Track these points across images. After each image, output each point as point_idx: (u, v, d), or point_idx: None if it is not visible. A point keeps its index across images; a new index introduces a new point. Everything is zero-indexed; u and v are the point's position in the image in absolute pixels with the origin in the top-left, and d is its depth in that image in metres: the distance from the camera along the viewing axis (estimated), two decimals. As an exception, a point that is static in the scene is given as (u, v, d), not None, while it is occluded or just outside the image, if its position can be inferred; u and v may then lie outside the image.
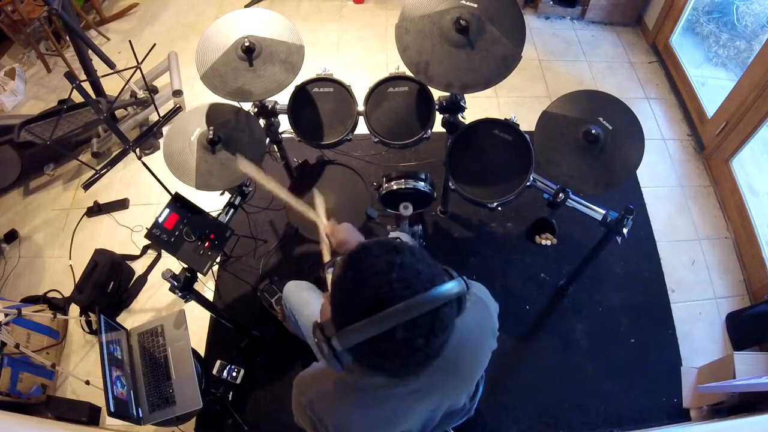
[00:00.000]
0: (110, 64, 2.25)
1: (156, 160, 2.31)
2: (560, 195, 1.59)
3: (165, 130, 1.82)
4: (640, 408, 1.89)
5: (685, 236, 2.32)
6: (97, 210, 2.49)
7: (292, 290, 1.56)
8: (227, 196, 1.75)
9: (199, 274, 1.55)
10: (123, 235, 2.42)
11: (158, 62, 2.90)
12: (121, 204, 2.51)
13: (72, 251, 2.37)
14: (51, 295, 2.24)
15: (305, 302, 1.48)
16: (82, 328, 2.14)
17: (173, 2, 3.55)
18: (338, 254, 1.14)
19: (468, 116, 1.74)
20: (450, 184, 1.64)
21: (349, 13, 3.37)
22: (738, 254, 2.26)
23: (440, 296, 0.65)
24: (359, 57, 3.10)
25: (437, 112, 1.69)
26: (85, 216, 2.49)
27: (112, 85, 2.59)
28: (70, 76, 1.58)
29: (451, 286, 0.66)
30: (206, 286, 2.22)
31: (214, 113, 1.63)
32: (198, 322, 2.09)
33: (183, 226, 1.53)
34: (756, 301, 2.10)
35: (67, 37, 3.06)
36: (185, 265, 1.54)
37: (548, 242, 1.70)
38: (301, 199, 1.24)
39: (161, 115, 1.98)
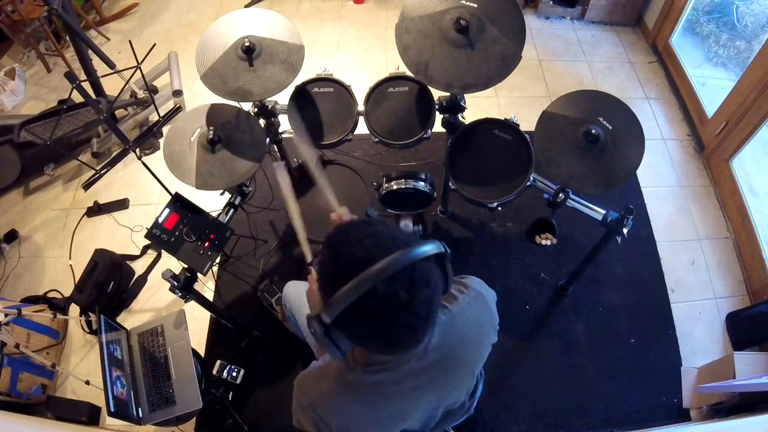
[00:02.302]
0: (110, 64, 2.25)
1: (156, 160, 2.31)
2: (560, 195, 1.59)
3: (165, 130, 1.82)
4: (640, 408, 1.89)
5: (685, 236, 2.32)
6: (97, 210, 2.49)
7: (291, 290, 1.57)
8: (227, 196, 1.75)
9: (199, 274, 1.55)
10: (123, 235, 2.42)
11: (158, 62, 2.90)
12: (121, 204, 2.51)
13: (72, 251, 2.37)
14: (51, 295, 2.24)
15: (305, 302, 1.48)
16: (82, 328, 2.14)
17: (173, 2, 3.55)
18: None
19: (468, 116, 1.74)
20: (450, 184, 1.64)
21: (349, 13, 3.37)
22: (738, 254, 2.26)
23: (416, 253, 0.66)
24: (359, 57, 3.10)
25: (437, 112, 1.69)
26: (85, 216, 2.49)
27: (112, 85, 2.59)
28: (70, 76, 1.57)
29: (428, 246, 0.69)
30: (206, 286, 2.21)
31: (214, 113, 1.63)
32: (198, 322, 2.09)
33: (183, 226, 1.53)
34: (756, 301, 2.10)
35: (67, 37, 3.06)
36: (185, 265, 1.54)
37: (548, 242, 1.70)
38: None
39: (161, 115, 1.98)
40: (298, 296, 1.53)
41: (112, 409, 1.54)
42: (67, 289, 2.21)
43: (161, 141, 2.64)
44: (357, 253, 0.67)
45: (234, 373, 1.89)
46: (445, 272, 0.73)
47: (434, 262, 0.71)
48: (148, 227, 1.51)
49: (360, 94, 1.71)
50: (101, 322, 1.74)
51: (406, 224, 1.82)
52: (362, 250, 0.67)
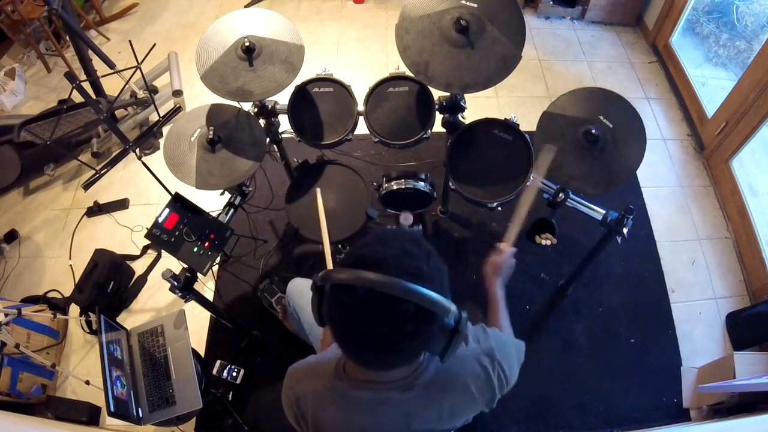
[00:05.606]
0: (110, 64, 2.24)
1: (156, 160, 2.31)
2: (560, 195, 1.59)
3: (165, 130, 1.82)
4: (640, 408, 1.89)
5: (685, 236, 2.32)
6: (97, 210, 2.49)
7: (297, 287, 1.55)
8: (227, 196, 1.75)
9: (199, 274, 1.55)
10: (123, 235, 2.42)
11: (158, 62, 2.90)
12: (121, 204, 2.51)
13: (72, 251, 2.37)
14: (51, 295, 2.24)
15: (308, 300, 1.47)
16: (82, 328, 2.14)
17: (173, 2, 3.55)
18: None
19: (468, 116, 1.74)
20: (450, 184, 1.64)
21: (349, 13, 3.37)
22: (738, 254, 2.26)
23: (411, 291, 0.63)
24: (359, 57, 3.10)
25: (437, 112, 1.69)
26: (85, 216, 2.49)
27: (112, 85, 2.59)
28: (70, 76, 1.57)
29: (435, 296, 0.64)
30: (206, 286, 2.21)
31: (214, 113, 1.63)
32: (198, 322, 2.09)
33: (183, 226, 1.53)
34: (756, 301, 2.10)
35: (67, 37, 3.06)
36: (185, 265, 1.54)
37: (548, 242, 1.70)
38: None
39: (161, 115, 1.98)
40: (302, 294, 1.52)
41: (112, 409, 1.54)
42: (67, 289, 2.21)
43: (161, 141, 2.64)
44: (377, 253, 0.69)
45: (234, 373, 1.89)
46: (449, 341, 0.69)
47: (430, 321, 0.66)
48: (148, 227, 1.51)
49: (360, 94, 1.71)
50: (101, 322, 1.74)
51: (406, 217, 1.81)
52: (372, 253, 0.69)
